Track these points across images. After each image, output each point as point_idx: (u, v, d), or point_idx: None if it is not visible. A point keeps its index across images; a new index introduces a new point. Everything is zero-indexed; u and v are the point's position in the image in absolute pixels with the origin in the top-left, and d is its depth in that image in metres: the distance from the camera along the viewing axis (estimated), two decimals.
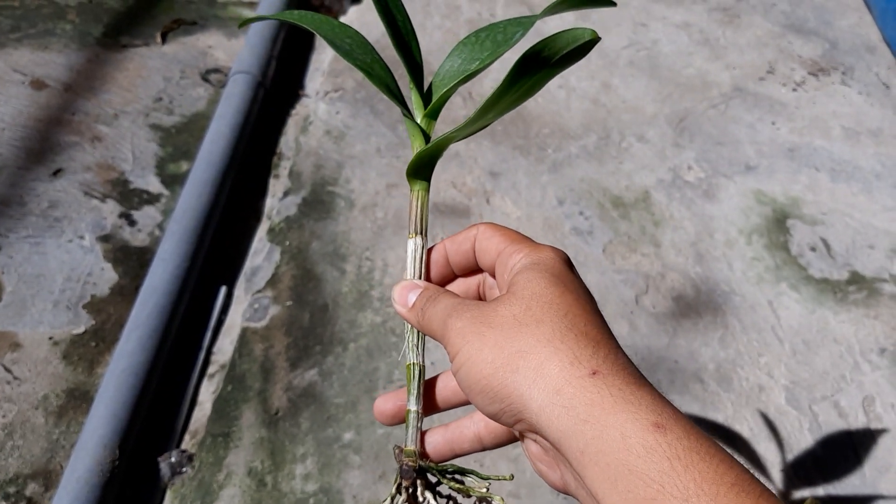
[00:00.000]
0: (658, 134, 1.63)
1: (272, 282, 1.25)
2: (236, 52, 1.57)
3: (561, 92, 1.67)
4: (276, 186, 1.40)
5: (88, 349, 1.15)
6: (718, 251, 1.43)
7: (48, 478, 1.01)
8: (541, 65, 0.48)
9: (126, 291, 1.22)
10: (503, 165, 1.50)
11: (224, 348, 1.18)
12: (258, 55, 1.50)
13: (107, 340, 1.16)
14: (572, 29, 0.49)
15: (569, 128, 1.60)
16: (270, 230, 1.32)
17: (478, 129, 0.52)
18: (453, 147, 1.52)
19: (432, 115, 0.55)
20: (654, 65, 1.80)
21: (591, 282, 1.33)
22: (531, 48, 0.46)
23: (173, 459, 1.05)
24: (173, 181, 1.37)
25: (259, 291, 1.24)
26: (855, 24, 2.06)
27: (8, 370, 1.10)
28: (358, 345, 1.19)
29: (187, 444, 1.08)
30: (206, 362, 1.16)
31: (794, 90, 1.82)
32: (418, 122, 0.54)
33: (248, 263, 1.28)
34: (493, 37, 0.55)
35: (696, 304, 1.34)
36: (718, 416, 1.18)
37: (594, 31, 0.48)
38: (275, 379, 1.13)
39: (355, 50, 0.55)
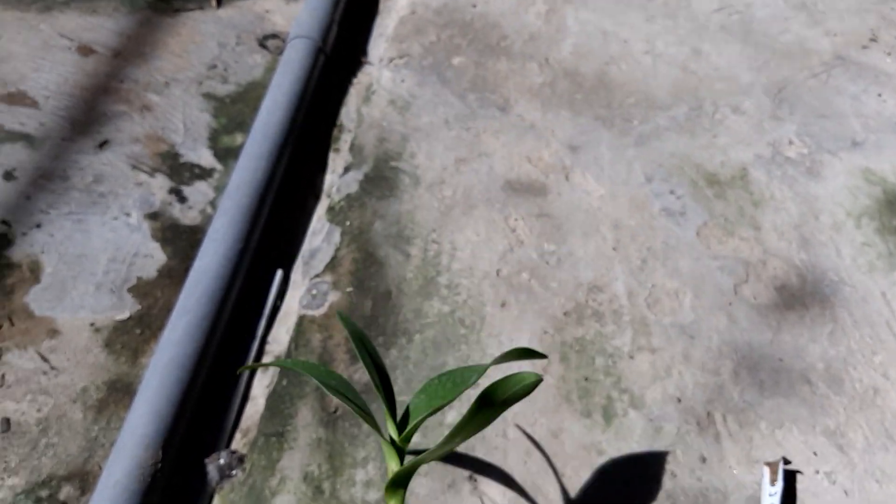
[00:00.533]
0: (755, 105, 1.47)
1: (331, 266, 1.14)
2: (295, 17, 1.46)
3: (646, 58, 1.52)
4: (337, 161, 1.29)
5: (133, 337, 1.05)
6: (825, 235, 1.28)
7: (85, 480, 0.92)
8: (494, 403, 0.65)
9: (175, 274, 1.12)
10: (584, 138, 1.36)
11: (279, 337, 1.08)
12: (318, 18, 1.39)
13: (153, 327, 1.07)
14: (518, 373, 0.68)
15: (656, 97, 1.45)
16: (330, 209, 1.21)
17: (444, 454, 0.71)
18: (528, 118, 1.39)
19: (406, 440, 0.74)
20: (747, 30, 1.63)
21: (684, 269, 1.20)
22: (486, 389, 0.64)
23: (222, 461, 0.95)
24: (227, 155, 1.27)
25: (317, 276, 1.13)
26: None
27: (45, 359, 1.01)
28: (424, 336, 1.07)
29: (238, 443, 0.98)
30: (261, 353, 1.06)
31: None
32: (393, 443, 0.73)
33: (306, 245, 1.18)
34: (453, 380, 0.75)
35: (801, 295, 1.19)
36: (829, 423, 1.04)
37: (538, 375, 0.68)
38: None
39: (340, 387, 0.75)
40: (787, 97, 1.50)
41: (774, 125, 1.43)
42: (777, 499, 0.94)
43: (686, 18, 1.62)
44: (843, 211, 1.32)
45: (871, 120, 1.49)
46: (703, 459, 0.99)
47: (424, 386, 0.77)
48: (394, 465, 0.72)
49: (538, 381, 0.68)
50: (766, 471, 0.97)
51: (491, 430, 0.99)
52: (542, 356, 0.78)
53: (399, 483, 0.71)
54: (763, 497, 0.95)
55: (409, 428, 0.72)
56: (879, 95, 1.55)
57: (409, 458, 0.74)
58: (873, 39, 1.70)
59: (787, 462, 1.00)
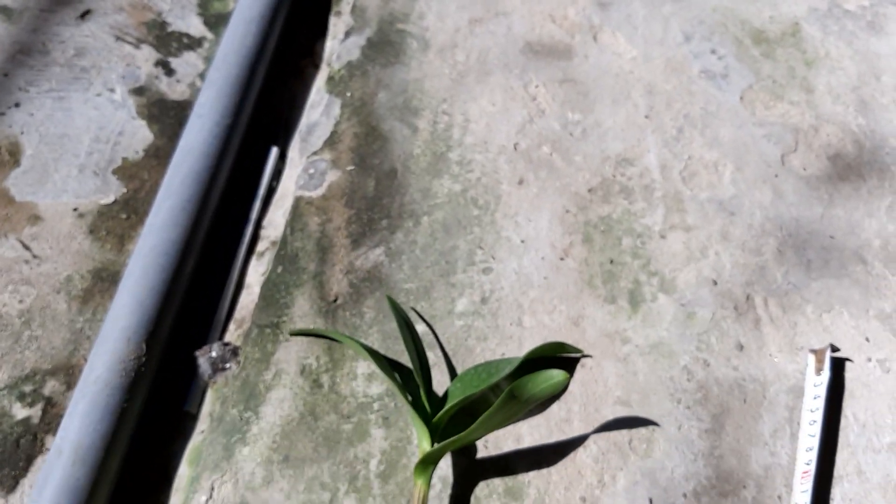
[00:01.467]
0: None
1: (331, 142, 1.04)
2: None
3: None
4: (338, 25, 1.17)
5: (119, 222, 0.98)
6: (887, 98, 1.13)
7: (70, 374, 0.86)
8: (520, 399, 0.72)
9: (163, 153, 1.03)
10: None
11: (276, 221, 0.99)
12: None
13: (140, 212, 0.99)
14: (546, 371, 0.74)
15: None
16: (330, 79, 1.10)
17: (472, 441, 0.79)
18: None
19: (439, 422, 0.78)
20: None
21: (724, 138, 1.07)
22: (513, 385, 0.71)
23: (214, 354, 0.88)
24: (218, 22, 1.15)
25: (315, 153, 1.03)
26: None
27: (26, 247, 0.94)
28: (432, 218, 0.98)
29: (232, 335, 0.91)
30: (255, 238, 0.98)
31: None
32: (428, 423, 0.77)
33: (305, 119, 1.07)
34: (488, 370, 0.83)
35: (857, 165, 1.06)
36: (885, 306, 0.93)
37: (566, 374, 0.74)
38: (333, 259, 0.94)
39: (383, 360, 0.83)
40: None
41: None
42: (823, 389, 0.84)
43: None
44: None
45: None
46: (741, 347, 0.90)
47: (461, 375, 0.84)
48: (426, 445, 0.77)
49: (566, 380, 0.74)
50: (812, 359, 0.88)
51: (505, 319, 0.90)
52: (578, 351, 0.88)
53: (429, 461, 0.74)
54: (807, 387, 0.86)
55: (444, 410, 0.77)
56: None
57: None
58: None
59: (835, 349, 0.90)
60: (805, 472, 0.80)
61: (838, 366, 0.89)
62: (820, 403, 0.83)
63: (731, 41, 1.17)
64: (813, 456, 0.80)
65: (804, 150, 1.07)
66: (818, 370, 0.86)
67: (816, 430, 0.82)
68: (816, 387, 0.85)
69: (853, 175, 1.05)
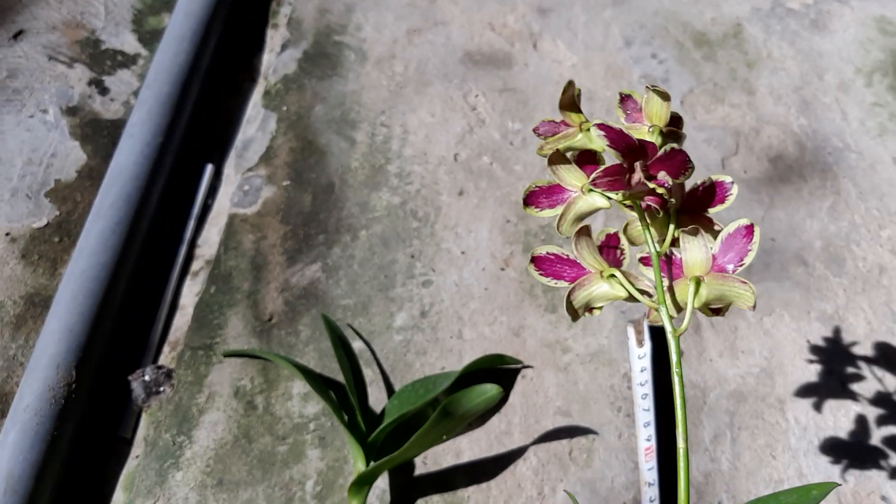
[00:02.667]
0: None
1: (266, 157, 1.02)
2: None
3: None
4: (275, 39, 1.15)
5: (51, 246, 0.96)
6: (829, 97, 1.13)
7: (4, 402, 0.84)
8: (454, 415, 0.71)
9: (96, 174, 1.01)
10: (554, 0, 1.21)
11: (210, 239, 0.97)
12: None
13: (72, 234, 0.97)
14: (479, 386, 0.74)
15: None
16: (266, 93, 1.08)
17: (407, 459, 0.78)
18: None
19: (375, 440, 0.77)
20: None
21: None
22: (446, 402, 0.70)
23: (147, 377, 0.87)
24: (153, 38, 1.13)
25: (250, 169, 1.01)
26: None
27: None
28: (371, 232, 0.96)
29: (166, 357, 0.89)
30: (190, 256, 0.96)
31: None
32: (362, 443, 0.76)
33: (240, 135, 1.06)
34: (426, 386, 0.81)
35: (799, 166, 1.06)
36: (827, 307, 0.93)
37: (499, 389, 0.73)
38: (268, 277, 0.92)
39: (318, 380, 0.81)
40: None
41: None
42: (647, 360, 0.83)
43: None
44: (851, 68, 1.17)
45: None
46: (681, 353, 0.89)
47: (399, 391, 0.83)
48: (360, 465, 0.76)
49: (500, 394, 0.73)
50: (631, 331, 0.87)
51: (445, 332, 0.89)
52: (518, 362, 0.87)
53: (363, 482, 0.74)
54: (632, 361, 0.85)
55: (380, 429, 0.77)
56: None
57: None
58: None
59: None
60: (647, 449, 0.79)
61: (659, 335, 0.87)
62: (647, 376, 0.83)
63: (672, 45, 1.17)
64: (651, 431, 0.79)
65: (745, 153, 1.06)
66: (639, 342, 0.85)
67: (650, 403, 0.81)
68: (641, 359, 0.84)
69: (794, 176, 1.05)
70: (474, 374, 0.83)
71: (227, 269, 0.93)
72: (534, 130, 0.52)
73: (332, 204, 0.99)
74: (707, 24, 1.19)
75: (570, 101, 0.50)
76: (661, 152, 0.44)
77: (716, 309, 0.46)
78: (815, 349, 0.90)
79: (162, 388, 0.87)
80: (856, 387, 0.87)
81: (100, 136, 1.04)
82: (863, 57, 1.17)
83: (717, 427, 0.84)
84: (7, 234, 0.96)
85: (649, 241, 0.47)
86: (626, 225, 0.51)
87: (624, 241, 0.51)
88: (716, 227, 0.49)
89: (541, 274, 0.48)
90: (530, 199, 0.49)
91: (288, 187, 0.99)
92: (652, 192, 0.45)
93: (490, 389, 0.74)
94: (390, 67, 1.11)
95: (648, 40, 1.17)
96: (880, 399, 0.86)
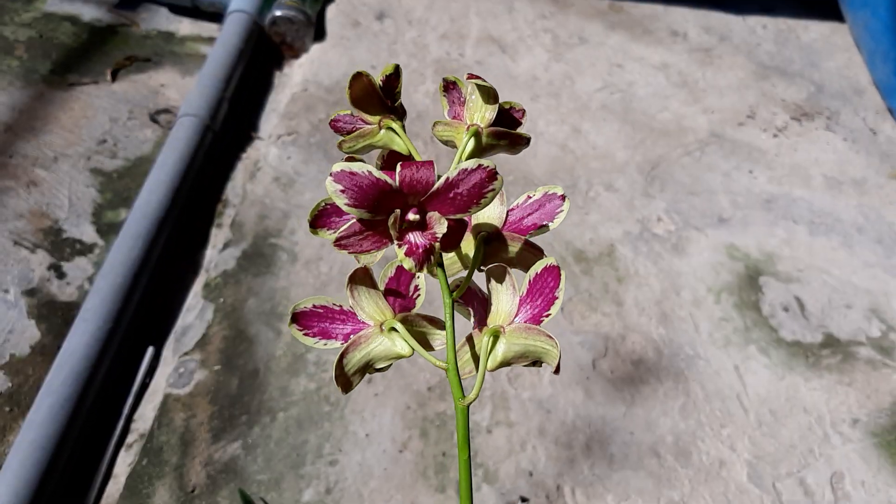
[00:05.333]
0: (628, 183, 1.55)
1: (202, 343, 1.18)
2: (189, 92, 1.51)
3: None
4: (218, 237, 1.33)
5: (2, 415, 1.08)
6: (684, 311, 1.35)
7: None
8: None
9: (48, 350, 1.15)
10: None
11: (146, 415, 1.11)
12: (208, 97, 1.44)
13: (22, 405, 1.09)
14: None
15: (534, 175, 1.53)
16: (206, 285, 1.25)
17: None
18: None
19: None
20: (627, 108, 1.73)
21: None
22: None
23: None
24: (109, 230, 1.30)
25: (186, 354, 1.16)
26: (843, 66, 1.99)
27: None
28: (288, 414, 1.11)
29: None
30: (126, 431, 1.09)
31: (775, 136, 1.74)
32: None
33: (180, 322, 1.21)
34: None
35: (657, 369, 1.26)
36: (674, 495, 1.11)
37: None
38: (194, 452, 1.06)
39: None
40: (660, 175, 1.59)
41: (645, 202, 1.52)
42: None
43: (569, 98, 1.71)
44: (704, 287, 1.40)
45: (740, 197, 1.59)
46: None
47: None
48: None
49: None
50: None
51: None
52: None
53: None
54: None
55: None
56: (750, 172, 1.65)
57: None
58: (750, 116, 1.80)
59: None
60: None
61: None
62: None
63: (556, 260, 1.38)
64: None
65: (612, 356, 1.26)
66: None
67: None
68: None
69: (652, 378, 1.25)
70: None
71: (158, 443, 1.06)
72: (331, 124, 0.41)
73: (256, 388, 1.14)
74: (586, 243, 1.42)
75: (364, 93, 0.40)
76: (440, 182, 0.35)
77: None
78: None
79: None
80: None
81: (54, 316, 1.18)
82: (714, 278, 1.41)
83: None
84: None
85: (443, 285, 0.39)
86: None
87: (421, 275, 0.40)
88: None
89: (306, 334, 0.39)
90: (318, 221, 0.39)
91: (218, 371, 1.15)
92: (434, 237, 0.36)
93: None
94: (317, 267, 1.30)
95: None
96: None
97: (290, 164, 1.44)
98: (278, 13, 1.65)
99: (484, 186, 0.35)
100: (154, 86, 1.55)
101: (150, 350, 1.16)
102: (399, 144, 0.40)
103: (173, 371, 1.14)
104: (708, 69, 1.88)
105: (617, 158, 1.60)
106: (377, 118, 0.40)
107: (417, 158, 0.39)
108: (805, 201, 1.60)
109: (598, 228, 1.45)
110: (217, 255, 1.29)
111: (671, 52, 1.90)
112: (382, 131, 0.40)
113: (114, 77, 1.54)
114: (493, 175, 0.35)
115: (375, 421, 1.13)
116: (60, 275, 1.23)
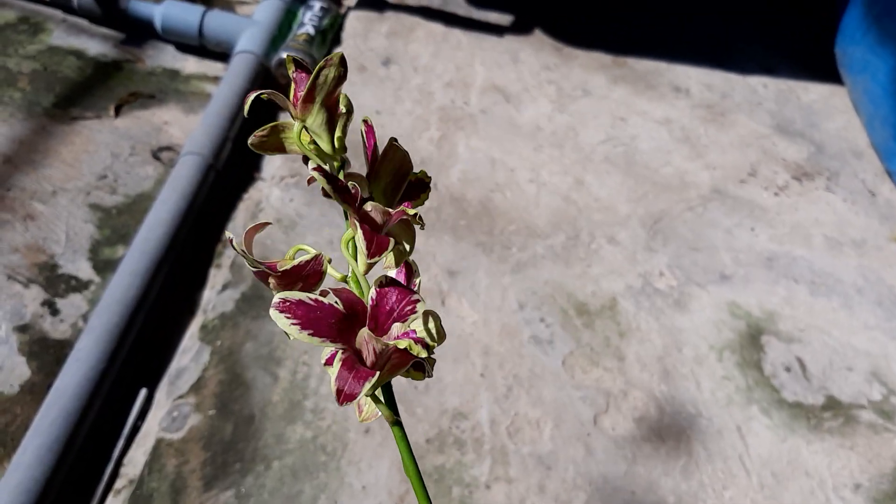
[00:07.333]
0: (630, 236, 1.55)
1: (197, 387, 1.15)
2: (192, 130, 1.50)
3: (531, 187, 1.60)
4: (217, 278, 1.31)
5: None
6: (686, 368, 1.34)
7: None
8: None
9: (37, 389, 1.12)
10: (463, 263, 1.42)
11: (136, 460, 1.07)
12: (212, 136, 1.43)
13: (8, 446, 1.05)
14: None
15: (536, 225, 1.52)
16: (203, 327, 1.23)
17: None
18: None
19: None
20: (630, 161, 1.73)
21: (547, 397, 1.24)
22: None
23: None
24: (106, 267, 1.28)
25: (181, 397, 1.14)
26: (842, 128, 2.00)
27: None
28: (283, 463, 1.08)
29: None
30: (115, 475, 1.06)
31: (776, 195, 1.75)
32: None
33: (175, 363, 1.18)
34: None
35: (658, 427, 1.24)
36: None
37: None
38: (185, 501, 1.02)
39: None
40: (663, 229, 1.58)
41: (647, 256, 1.51)
42: None
43: (572, 149, 1.71)
44: (706, 344, 1.38)
45: (742, 254, 1.58)
46: None
47: None
48: None
49: None
50: None
51: None
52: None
53: None
54: None
55: None
56: (752, 230, 1.65)
57: None
58: (752, 174, 1.81)
59: None
60: None
61: None
62: None
63: (558, 311, 1.37)
64: None
65: (614, 412, 1.24)
66: None
67: None
68: None
69: (654, 437, 1.23)
70: None
71: (148, 489, 1.03)
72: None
73: (251, 434, 1.11)
74: (588, 296, 1.41)
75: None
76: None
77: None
78: None
79: None
80: None
81: (46, 353, 1.16)
82: (716, 335, 1.40)
83: None
84: None
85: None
86: None
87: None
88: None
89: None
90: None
91: (213, 416, 1.12)
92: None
93: None
94: None
95: (538, 305, 1.37)
96: None
97: (293, 207, 1.43)
98: (285, 55, 1.65)
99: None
100: (157, 123, 1.54)
101: (143, 392, 1.13)
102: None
103: (166, 414, 1.11)
104: (710, 125, 1.89)
105: (620, 211, 1.59)
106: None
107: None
108: (806, 261, 1.59)
109: (599, 281, 1.44)
110: (215, 297, 1.27)
111: (674, 108, 1.91)
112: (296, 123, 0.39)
113: (117, 112, 1.53)
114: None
115: (372, 472, 1.10)
116: (54, 311, 1.21)
